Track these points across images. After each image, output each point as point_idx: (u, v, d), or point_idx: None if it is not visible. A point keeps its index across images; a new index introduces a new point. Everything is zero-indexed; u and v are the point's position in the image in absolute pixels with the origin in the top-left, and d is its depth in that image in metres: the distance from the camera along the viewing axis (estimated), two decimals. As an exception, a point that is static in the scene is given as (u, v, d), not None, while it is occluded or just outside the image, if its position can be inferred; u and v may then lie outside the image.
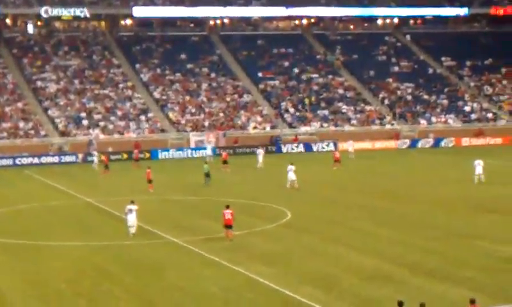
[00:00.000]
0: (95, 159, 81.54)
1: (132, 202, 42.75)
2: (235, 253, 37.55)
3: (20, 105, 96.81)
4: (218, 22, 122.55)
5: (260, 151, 79.74)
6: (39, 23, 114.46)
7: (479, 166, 61.79)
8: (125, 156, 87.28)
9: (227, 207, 40.84)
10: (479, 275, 32.54)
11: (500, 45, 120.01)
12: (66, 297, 31.20)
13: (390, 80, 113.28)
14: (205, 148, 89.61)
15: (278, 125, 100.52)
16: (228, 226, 40.60)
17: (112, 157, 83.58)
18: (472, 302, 24.10)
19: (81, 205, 55.61)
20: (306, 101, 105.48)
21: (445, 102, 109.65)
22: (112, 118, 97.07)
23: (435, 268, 33.88)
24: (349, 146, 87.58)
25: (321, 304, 29.04)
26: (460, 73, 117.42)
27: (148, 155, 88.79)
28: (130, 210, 42.12)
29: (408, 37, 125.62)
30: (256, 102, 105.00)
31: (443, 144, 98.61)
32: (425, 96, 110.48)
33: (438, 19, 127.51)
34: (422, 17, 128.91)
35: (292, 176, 60.99)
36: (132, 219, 42.04)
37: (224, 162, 74.89)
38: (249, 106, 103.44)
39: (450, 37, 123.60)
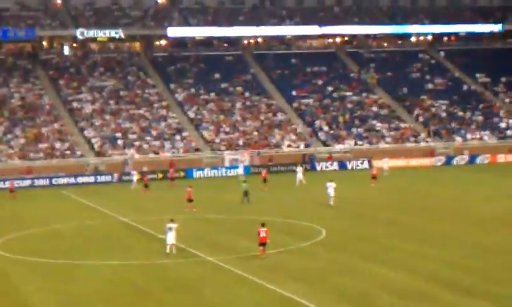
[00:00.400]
0: (134, 178, 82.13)
1: (172, 220, 43.22)
2: (270, 272, 37.62)
3: (56, 125, 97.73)
4: (252, 41, 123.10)
5: (300, 169, 79.97)
6: (75, 45, 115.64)
7: None
8: (160, 175, 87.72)
9: (262, 225, 41.23)
10: (517, 292, 32.35)
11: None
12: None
13: (425, 97, 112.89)
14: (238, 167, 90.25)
15: (312, 143, 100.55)
16: (263, 244, 40.94)
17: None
18: None
19: (117, 224, 55.99)
20: (341, 119, 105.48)
21: (480, 118, 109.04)
22: (148, 138, 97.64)
23: (472, 285, 33.68)
24: (384, 163, 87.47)
25: (357, 322, 29.07)
26: (495, 90, 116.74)
27: (182, 174, 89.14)
28: (170, 228, 42.56)
29: (442, 54, 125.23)
30: (290, 121, 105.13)
31: (478, 160, 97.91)
32: (460, 113, 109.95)
33: (472, 36, 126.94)
34: (456, 34, 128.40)
35: (331, 192, 61.45)
36: (171, 237, 42.43)
37: (265, 180, 75.36)
38: (283, 124, 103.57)
39: (484, 53, 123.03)
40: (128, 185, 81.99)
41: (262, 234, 40.90)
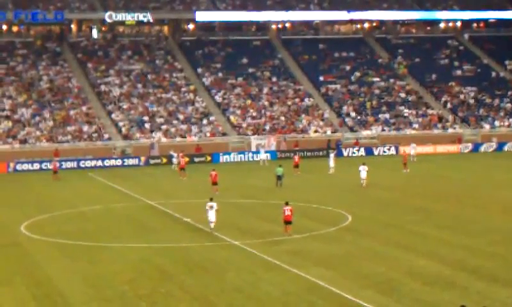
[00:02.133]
0: (175, 160, 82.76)
1: (211, 199, 44.82)
2: (295, 256, 37.63)
3: (84, 108, 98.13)
4: (280, 26, 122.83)
5: (332, 156, 79.38)
6: (103, 28, 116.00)
7: None
8: (187, 159, 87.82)
9: (286, 204, 42.55)
10: (543, 280, 32.12)
11: None
12: (127, 298, 31.49)
13: (453, 83, 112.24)
14: (266, 152, 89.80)
15: (339, 128, 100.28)
16: (288, 222, 42.08)
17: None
18: None
19: (143, 207, 56.20)
20: (368, 105, 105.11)
21: (509, 105, 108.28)
22: (175, 122, 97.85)
23: (498, 272, 33.51)
24: (412, 149, 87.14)
25: (381, 307, 29.01)
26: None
27: (209, 158, 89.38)
28: (211, 207, 44.00)
29: (470, 40, 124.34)
30: (318, 106, 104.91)
31: (506, 148, 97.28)
32: (488, 100, 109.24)
33: (501, 22, 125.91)
34: (485, 20, 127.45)
35: (363, 175, 63.01)
36: (212, 215, 43.85)
37: (296, 166, 75.15)
38: (310, 110, 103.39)
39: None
40: (155, 168, 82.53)
41: (287, 212, 42.19)
